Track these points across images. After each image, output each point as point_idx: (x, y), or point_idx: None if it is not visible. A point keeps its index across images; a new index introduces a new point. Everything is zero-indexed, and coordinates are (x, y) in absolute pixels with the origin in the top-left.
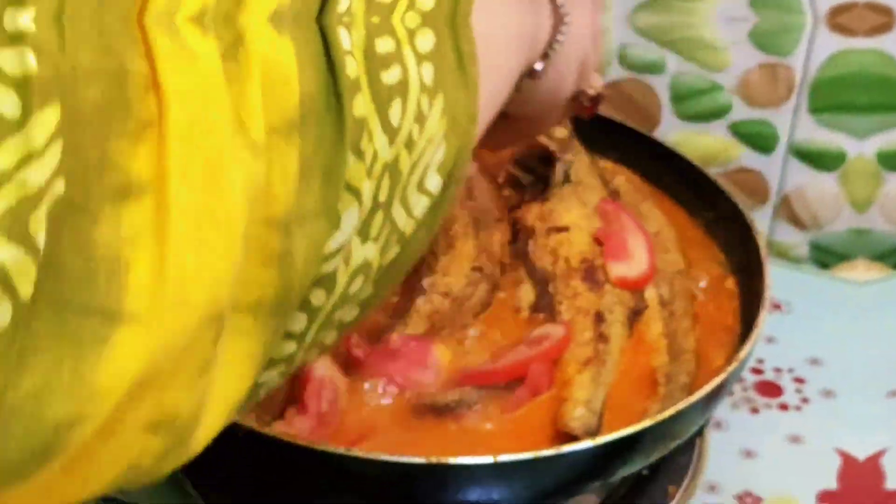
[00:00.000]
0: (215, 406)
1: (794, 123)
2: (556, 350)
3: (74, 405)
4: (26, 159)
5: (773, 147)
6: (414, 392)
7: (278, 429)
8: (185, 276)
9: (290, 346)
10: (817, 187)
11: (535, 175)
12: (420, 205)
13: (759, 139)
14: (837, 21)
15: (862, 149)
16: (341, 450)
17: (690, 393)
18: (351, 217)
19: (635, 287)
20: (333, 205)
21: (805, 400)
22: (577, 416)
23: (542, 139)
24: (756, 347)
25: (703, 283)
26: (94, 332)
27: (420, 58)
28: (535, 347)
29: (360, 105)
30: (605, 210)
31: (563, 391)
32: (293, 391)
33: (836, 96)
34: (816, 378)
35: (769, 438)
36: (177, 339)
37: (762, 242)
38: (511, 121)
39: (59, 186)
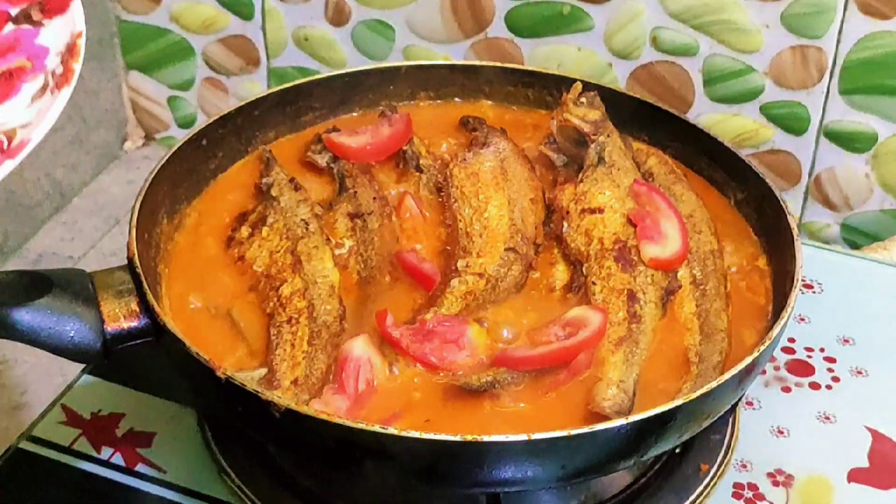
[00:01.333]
0: None
1: (826, 105)
2: (596, 339)
3: None
4: None
5: (804, 129)
6: (449, 372)
7: (315, 407)
8: None
9: None
10: (848, 168)
11: (568, 157)
12: None
13: (790, 121)
14: (869, 3)
15: (893, 130)
16: (377, 428)
17: (723, 372)
18: None
19: (668, 267)
20: None
21: (836, 379)
22: (609, 396)
23: (576, 121)
24: (788, 327)
25: (735, 264)
26: None
27: None
28: (571, 332)
29: None
30: (639, 191)
31: (596, 371)
32: (330, 371)
33: (867, 78)
34: (847, 357)
35: (801, 417)
36: None
37: (794, 223)
38: None
39: None
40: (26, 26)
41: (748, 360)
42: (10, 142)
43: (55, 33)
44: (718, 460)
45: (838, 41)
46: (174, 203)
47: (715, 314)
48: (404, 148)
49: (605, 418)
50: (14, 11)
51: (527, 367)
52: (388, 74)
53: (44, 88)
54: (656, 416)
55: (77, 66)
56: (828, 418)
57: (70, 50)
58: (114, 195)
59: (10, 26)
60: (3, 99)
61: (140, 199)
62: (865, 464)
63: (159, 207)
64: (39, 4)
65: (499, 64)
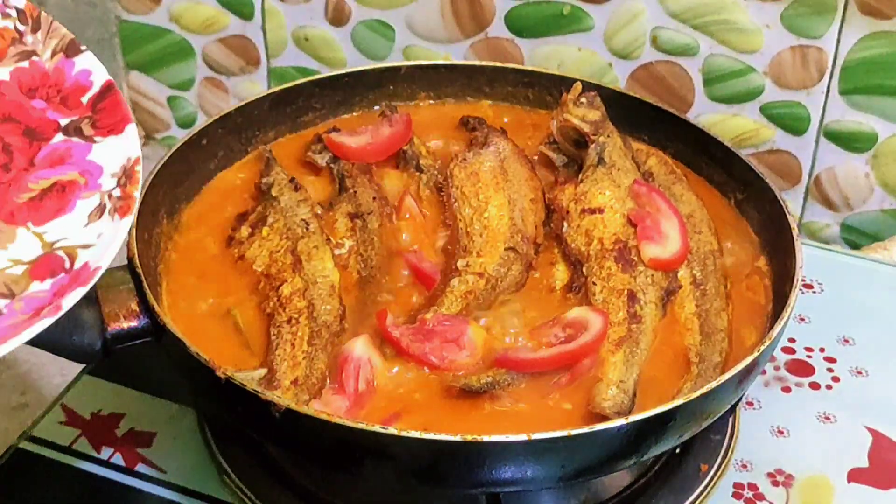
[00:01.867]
0: None
1: (826, 105)
2: (597, 343)
3: None
4: None
5: (804, 129)
6: (449, 372)
7: (315, 407)
8: None
9: None
10: (848, 168)
11: (568, 157)
12: None
13: (790, 121)
14: (869, 3)
15: (893, 130)
16: (377, 428)
17: (723, 372)
18: None
19: (668, 267)
20: None
21: (836, 379)
22: (609, 396)
23: (576, 121)
24: (787, 327)
25: (735, 264)
26: None
27: None
28: (572, 334)
29: None
30: (639, 191)
31: (596, 371)
32: (330, 371)
33: (866, 78)
34: (847, 357)
35: (800, 417)
36: None
37: (794, 223)
38: None
39: None
40: (77, 139)
41: (748, 360)
42: (72, 262)
43: (109, 153)
44: (718, 460)
45: (838, 41)
46: (174, 203)
47: (715, 314)
48: (404, 148)
49: (606, 418)
50: (64, 122)
51: (527, 370)
52: (388, 74)
53: (101, 209)
54: (656, 416)
55: (137, 194)
56: (828, 418)
57: (128, 175)
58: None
59: (59, 136)
60: (58, 213)
61: (140, 198)
62: (865, 464)
63: (159, 207)
64: (91, 119)
65: (499, 64)
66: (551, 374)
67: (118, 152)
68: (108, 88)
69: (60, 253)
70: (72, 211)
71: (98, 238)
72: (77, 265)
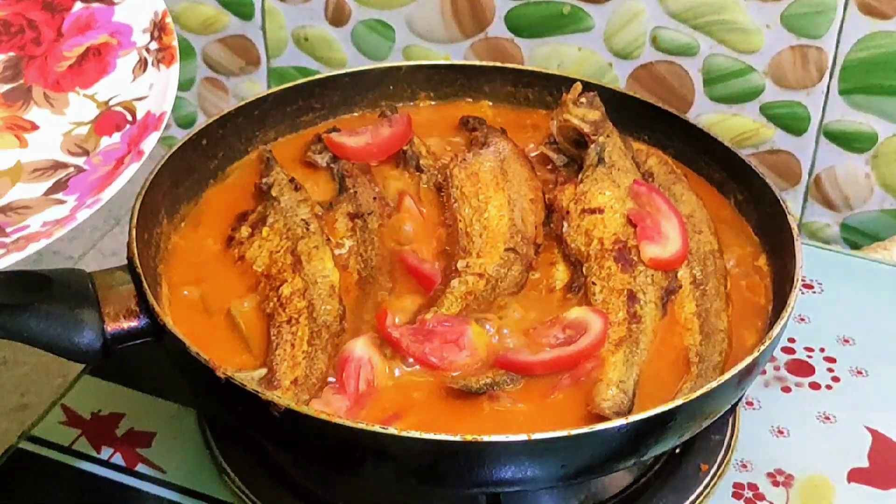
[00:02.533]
0: None
1: (826, 105)
2: (597, 346)
3: None
4: None
5: (804, 129)
6: (448, 372)
7: (316, 407)
8: None
9: None
10: (848, 168)
11: (568, 157)
12: None
13: (790, 121)
14: (869, 3)
15: (893, 130)
16: (377, 428)
17: (723, 372)
18: None
19: (668, 267)
20: None
21: (836, 379)
22: (608, 396)
23: (576, 121)
24: (787, 327)
25: (735, 264)
26: None
27: None
28: (572, 335)
29: None
30: (639, 191)
31: (596, 371)
32: (330, 371)
33: (866, 78)
34: (847, 357)
35: (800, 417)
36: None
37: (794, 223)
38: None
39: None
40: (97, 4)
41: (748, 360)
42: (133, 114)
43: (133, 11)
44: (718, 460)
45: (838, 41)
46: (174, 203)
47: (715, 314)
48: (404, 148)
49: (605, 419)
50: None
51: (527, 372)
52: (388, 74)
53: (143, 64)
54: (656, 416)
55: (174, 43)
56: (828, 418)
57: (160, 27)
58: (114, 195)
59: (79, 4)
60: (102, 74)
61: (140, 199)
62: (865, 464)
63: (159, 207)
64: None
65: (499, 64)
66: (551, 375)
67: (143, 9)
68: None
69: (119, 108)
70: (114, 70)
71: (150, 88)
72: (140, 115)
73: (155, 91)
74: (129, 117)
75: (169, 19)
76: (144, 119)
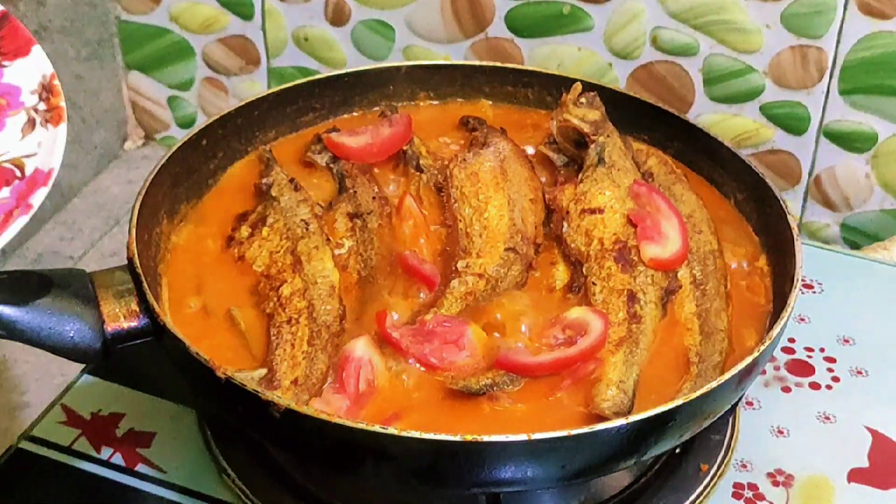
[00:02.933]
0: None
1: (826, 105)
2: (598, 347)
3: None
4: None
5: (804, 129)
6: (448, 372)
7: (316, 407)
8: None
9: None
10: (848, 168)
11: (568, 156)
12: None
13: (790, 121)
14: (869, 3)
15: (893, 130)
16: (377, 428)
17: (723, 372)
18: None
19: (668, 267)
20: None
21: (836, 379)
22: (608, 396)
23: (576, 121)
24: (787, 327)
25: (735, 264)
26: None
27: None
28: (572, 336)
29: None
30: (639, 191)
31: (596, 371)
32: (330, 371)
33: (867, 78)
34: (847, 357)
35: (800, 417)
36: None
37: (794, 223)
38: None
39: None
40: None
41: (748, 360)
42: (22, 170)
43: (22, 74)
44: (718, 460)
45: (838, 41)
46: (174, 203)
47: (715, 314)
48: (404, 148)
49: (605, 419)
50: None
51: (526, 374)
52: (388, 74)
53: (31, 123)
54: (656, 416)
55: (62, 103)
56: (828, 418)
57: (48, 89)
58: (114, 195)
59: None
60: None
61: (140, 199)
62: (865, 464)
63: (159, 207)
64: None
65: (499, 64)
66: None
67: (31, 72)
68: (3, 17)
69: (8, 165)
70: (3, 129)
71: (39, 146)
72: (28, 171)
73: (43, 149)
74: (19, 173)
75: (56, 81)
76: (33, 175)
